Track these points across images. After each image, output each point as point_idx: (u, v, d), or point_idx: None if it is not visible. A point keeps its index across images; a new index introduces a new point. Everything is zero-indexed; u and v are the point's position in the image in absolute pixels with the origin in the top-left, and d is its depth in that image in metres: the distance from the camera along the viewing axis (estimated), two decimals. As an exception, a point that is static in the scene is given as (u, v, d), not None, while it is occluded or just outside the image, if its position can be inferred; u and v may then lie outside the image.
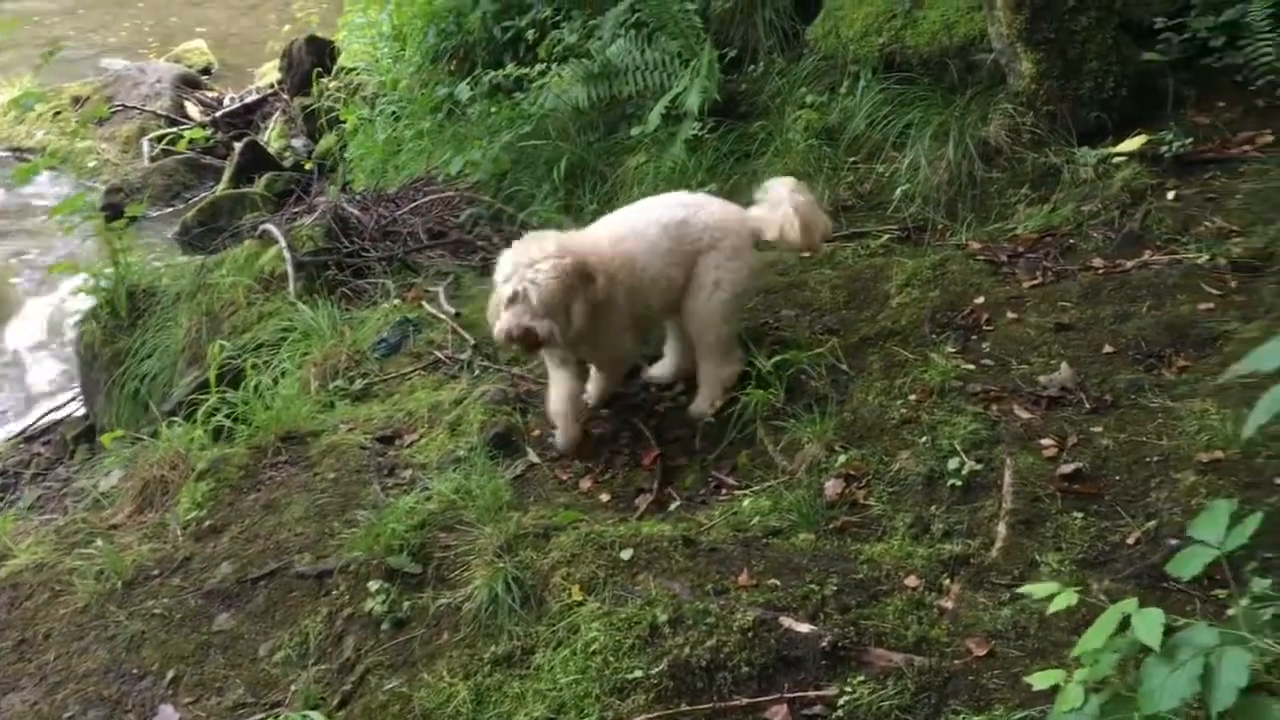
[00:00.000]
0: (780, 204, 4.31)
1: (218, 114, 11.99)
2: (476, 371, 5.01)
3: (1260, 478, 3.18)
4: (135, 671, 3.71)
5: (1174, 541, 3.01)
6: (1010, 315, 4.30)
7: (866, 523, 3.55)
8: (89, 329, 6.86)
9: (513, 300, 3.90)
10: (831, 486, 3.74)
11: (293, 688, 3.45)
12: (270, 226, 6.52)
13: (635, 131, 6.52)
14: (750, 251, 4.33)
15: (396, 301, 5.77)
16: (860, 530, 3.52)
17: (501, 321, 3.95)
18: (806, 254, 4.95)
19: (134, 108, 11.88)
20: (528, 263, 3.89)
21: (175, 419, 5.33)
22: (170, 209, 10.32)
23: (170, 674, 3.66)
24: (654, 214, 4.28)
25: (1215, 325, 3.90)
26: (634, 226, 4.25)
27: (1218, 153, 4.93)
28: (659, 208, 4.33)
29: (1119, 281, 4.34)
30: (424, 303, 5.73)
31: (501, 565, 3.44)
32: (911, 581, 3.15)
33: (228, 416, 5.02)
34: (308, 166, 10.11)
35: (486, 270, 6.19)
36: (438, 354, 5.25)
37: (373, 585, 3.57)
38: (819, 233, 4.43)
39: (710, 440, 4.23)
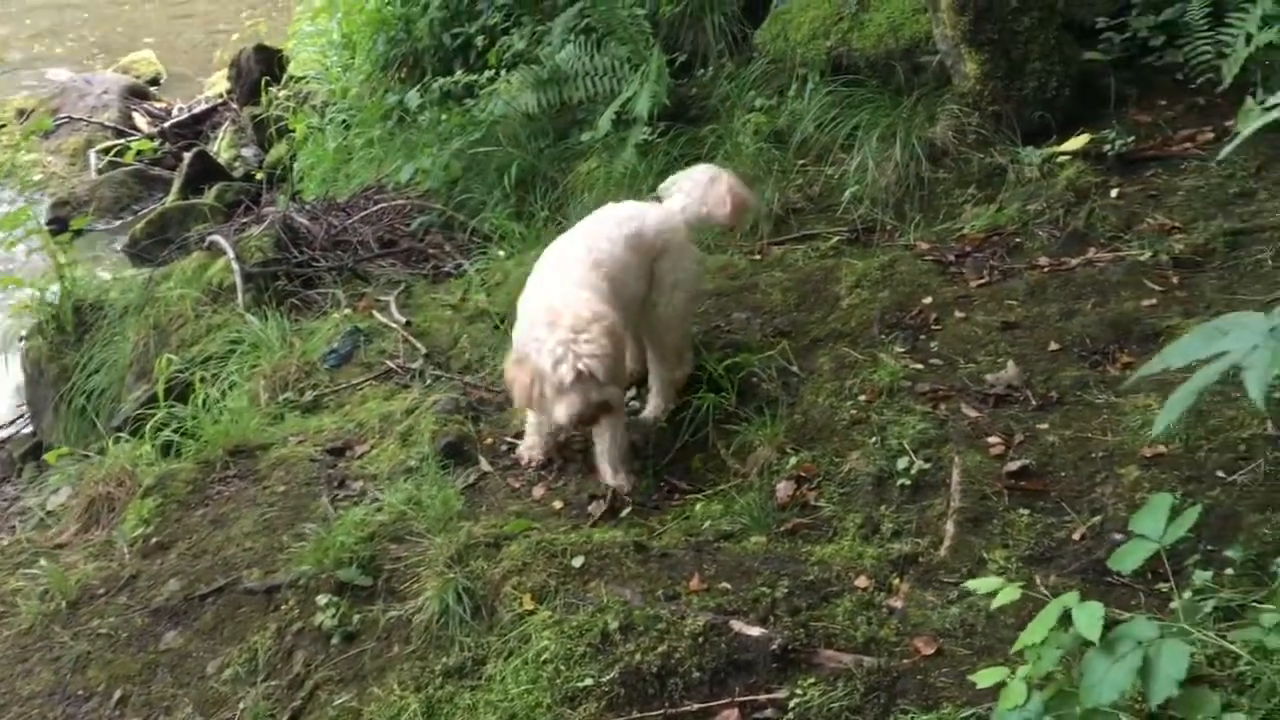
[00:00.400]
0: (715, 181, 4.41)
1: (166, 125, 11.85)
2: (428, 381, 4.97)
3: (1202, 471, 3.22)
4: (81, 693, 3.65)
5: (1119, 536, 3.03)
6: (958, 314, 4.33)
7: (817, 524, 3.56)
8: (35, 345, 6.75)
9: (575, 381, 3.68)
10: (783, 488, 3.75)
11: (241, 705, 3.40)
12: (218, 238, 6.44)
13: (586, 137, 6.52)
14: (693, 247, 4.43)
15: (347, 311, 5.72)
16: (811, 532, 3.53)
17: (568, 406, 3.71)
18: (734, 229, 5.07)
19: (80, 119, 11.72)
20: (571, 339, 3.68)
21: (123, 435, 5.25)
22: (119, 221, 10.17)
23: (117, 694, 3.60)
24: (611, 233, 4.18)
25: (1158, 321, 3.95)
26: (603, 250, 4.10)
27: (1159, 151, 5.00)
28: (610, 226, 4.22)
29: (1064, 279, 4.39)
30: (375, 312, 5.68)
31: (452, 576, 3.42)
32: (861, 582, 3.16)
33: (176, 431, 4.94)
34: (258, 176, 10.01)
35: (438, 278, 6.16)
36: (389, 363, 5.21)
37: (322, 599, 3.53)
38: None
39: (663, 445, 4.22)
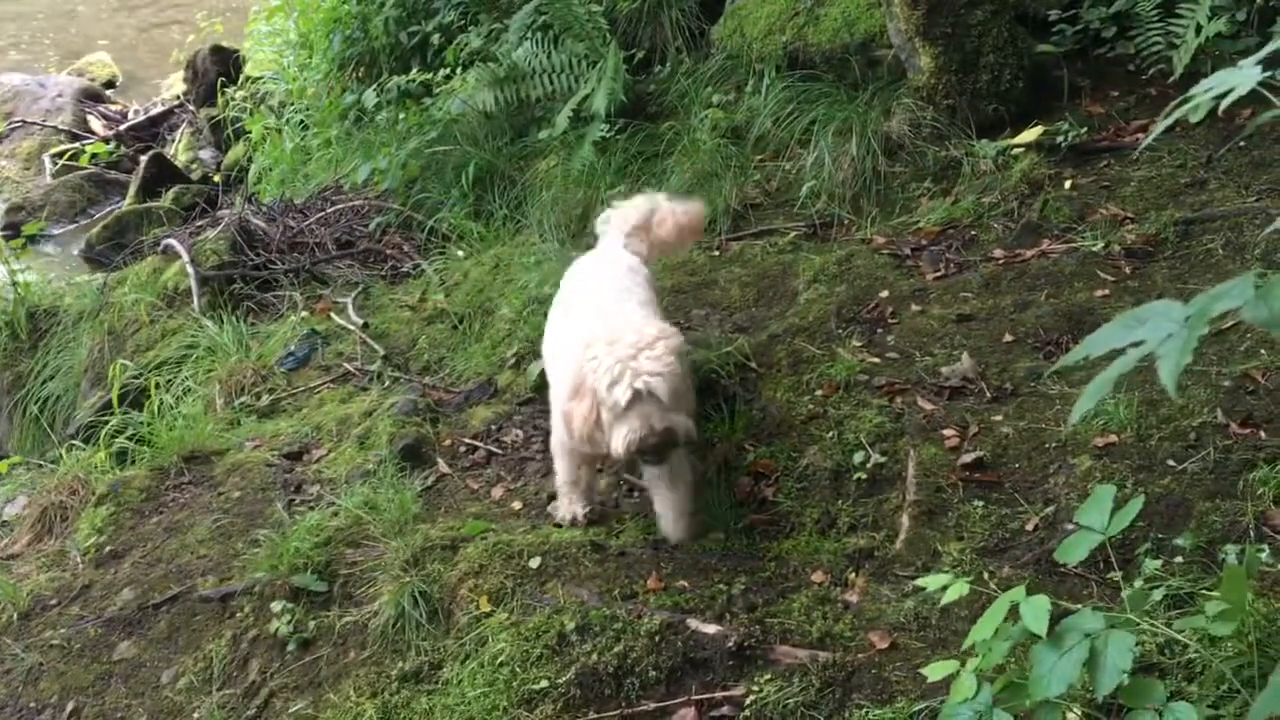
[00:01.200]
0: (656, 212, 4.20)
1: (122, 127, 11.69)
2: (386, 383, 4.95)
3: (1153, 460, 3.24)
4: (33, 705, 3.60)
5: (1071, 526, 3.05)
6: (914, 308, 4.35)
7: (775, 519, 3.56)
8: (-12, 352, 6.65)
9: (634, 402, 3.16)
10: (741, 484, 3.74)
11: (196, 715, 3.37)
12: (173, 241, 6.37)
13: (543, 135, 6.49)
14: None
15: (304, 314, 5.67)
16: (769, 527, 3.53)
17: (627, 430, 3.17)
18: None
19: (34, 123, 11.54)
20: (630, 355, 3.20)
21: (77, 442, 5.19)
22: (75, 225, 10.05)
23: (70, 706, 3.56)
24: (627, 272, 3.89)
25: (1110, 311, 3.97)
26: (636, 292, 3.77)
27: (1112, 141, 5.03)
28: (614, 270, 3.93)
29: (1018, 271, 4.41)
30: (332, 314, 5.64)
31: (408, 579, 3.40)
32: (818, 577, 3.16)
33: (130, 438, 4.89)
34: (216, 178, 9.90)
35: (396, 279, 6.13)
36: (347, 366, 5.18)
37: (277, 606, 3.50)
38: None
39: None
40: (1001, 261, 4.52)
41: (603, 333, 3.34)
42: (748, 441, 3.89)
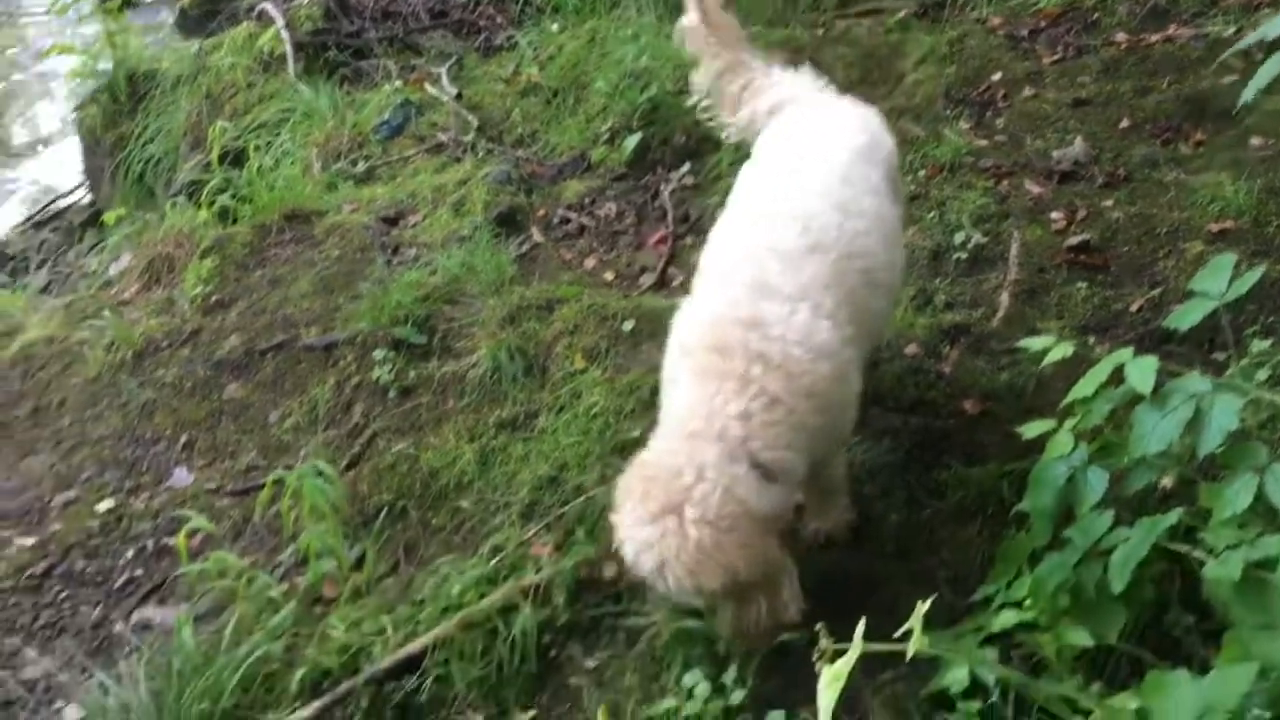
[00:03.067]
0: None
1: (213, -107, 11.44)
2: (480, 154, 4.93)
3: (1270, 245, 3.15)
4: (149, 436, 3.80)
5: (1177, 306, 2.99)
6: (1027, 91, 4.19)
7: (870, 296, 3.53)
8: (90, 114, 6.73)
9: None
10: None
11: (303, 451, 3.52)
12: (268, 6, 6.31)
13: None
14: None
15: (398, 83, 5.62)
16: (864, 303, 3.51)
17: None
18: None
19: (124, -112, 11.34)
20: (659, 508, 2.14)
21: (179, 200, 5.29)
22: (169, -6, 9.97)
23: (183, 439, 3.75)
24: (861, 182, 2.53)
25: (1237, 99, 3.78)
26: (867, 195, 2.51)
27: (1257, -79, 4.69)
28: (844, 158, 2.56)
29: (1141, 56, 4.21)
30: (426, 85, 5.59)
31: (505, 336, 3.48)
32: (911, 350, 3.16)
33: (231, 197, 4.97)
34: (307, -52, 9.70)
35: (489, 52, 6.02)
36: (441, 136, 5.16)
37: (379, 354, 3.61)
38: None
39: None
40: (1124, 46, 4.31)
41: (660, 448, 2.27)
42: (845, 220, 3.84)
